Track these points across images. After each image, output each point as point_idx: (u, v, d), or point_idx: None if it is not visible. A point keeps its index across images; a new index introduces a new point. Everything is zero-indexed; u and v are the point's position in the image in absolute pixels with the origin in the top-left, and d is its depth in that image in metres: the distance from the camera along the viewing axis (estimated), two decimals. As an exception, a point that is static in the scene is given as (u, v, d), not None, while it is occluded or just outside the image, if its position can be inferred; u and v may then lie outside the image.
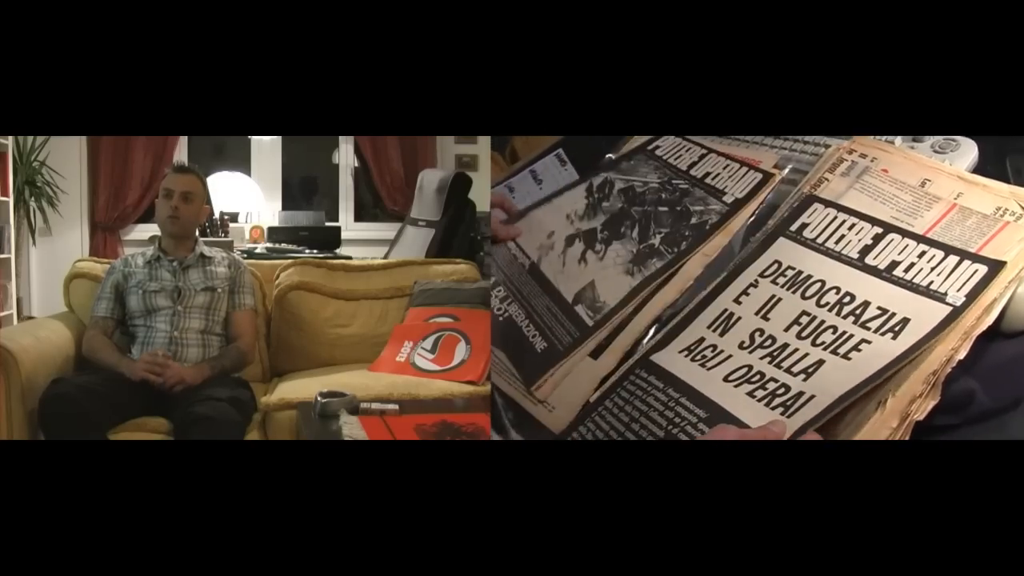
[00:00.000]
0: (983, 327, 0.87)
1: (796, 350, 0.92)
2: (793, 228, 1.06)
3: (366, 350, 2.45)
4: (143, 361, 1.97)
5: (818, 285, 0.97)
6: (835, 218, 1.04)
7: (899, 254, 0.96)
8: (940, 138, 1.15)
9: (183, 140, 4.24)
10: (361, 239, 4.38)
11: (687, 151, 1.30)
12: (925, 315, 0.89)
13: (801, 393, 0.88)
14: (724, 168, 1.24)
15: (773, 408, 0.88)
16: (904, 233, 0.98)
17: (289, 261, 2.66)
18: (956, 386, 0.86)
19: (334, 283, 2.58)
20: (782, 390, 0.89)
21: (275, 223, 4.31)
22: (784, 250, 1.04)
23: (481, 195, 3.71)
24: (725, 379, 0.94)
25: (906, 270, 0.94)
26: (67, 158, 3.95)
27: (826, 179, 1.14)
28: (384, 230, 4.35)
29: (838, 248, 1.01)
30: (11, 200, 3.56)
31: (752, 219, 1.16)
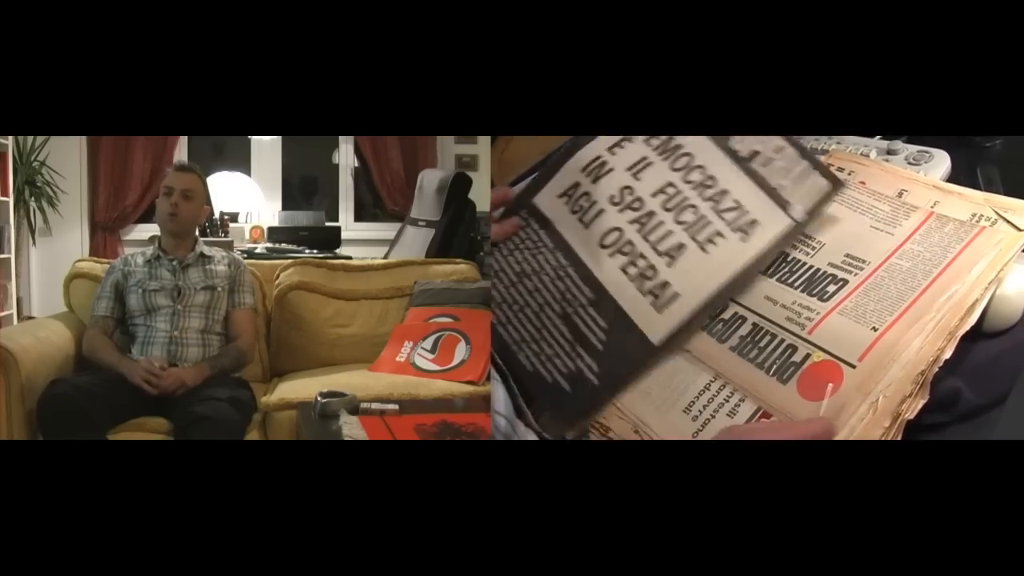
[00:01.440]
0: (966, 328, 0.89)
1: (661, 223, 1.01)
2: None
3: (366, 350, 2.45)
4: (141, 368, 1.96)
5: (686, 159, 1.04)
6: None
7: (761, 145, 1.04)
8: (914, 150, 1.19)
9: (183, 140, 4.24)
10: (361, 239, 4.38)
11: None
12: (769, 223, 0.99)
13: (667, 284, 0.97)
14: None
15: (645, 295, 0.96)
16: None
17: (289, 261, 2.66)
18: (943, 385, 0.88)
19: (334, 283, 2.58)
20: (650, 272, 0.98)
21: (275, 223, 4.31)
22: None
23: (481, 195, 3.71)
24: (601, 245, 1.00)
25: (764, 164, 1.02)
26: (67, 158, 3.95)
27: None
28: (384, 230, 4.35)
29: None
30: (11, 200, 3.56)
31: None
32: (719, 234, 0.99)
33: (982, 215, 1.01)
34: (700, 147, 1.04)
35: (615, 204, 1.02)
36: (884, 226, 1.05)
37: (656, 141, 1.05)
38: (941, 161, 1.17)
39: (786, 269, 1.05)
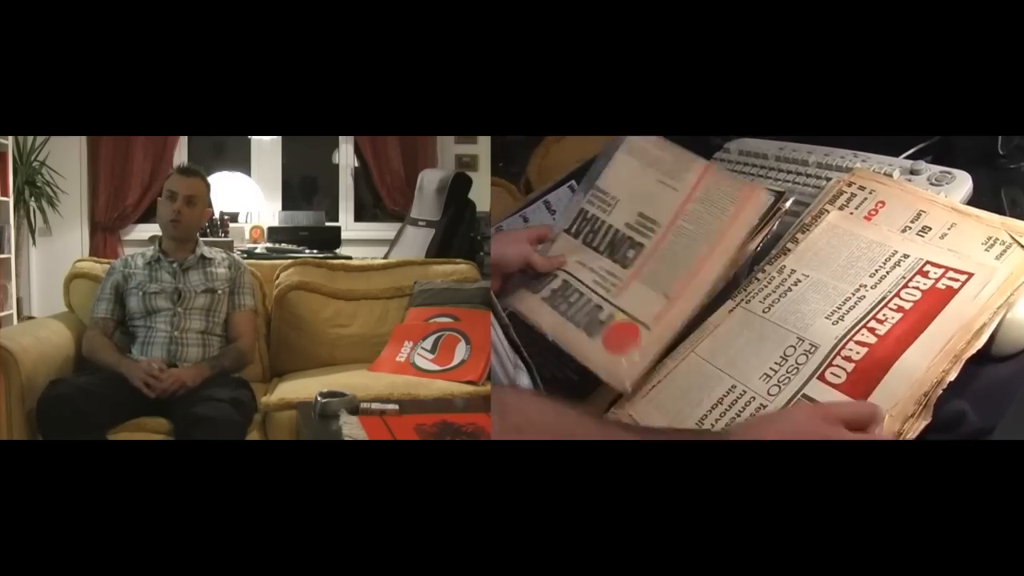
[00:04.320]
0: (972, 351, 0.89)
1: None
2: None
3: (366, 350, 2.45)
4: (140, 370, 1.96)
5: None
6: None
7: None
8: (937, 170, 1.19)
9: (183, 140, 4.24)
10: (361, 239, 4.38)
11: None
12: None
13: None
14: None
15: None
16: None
17: (289, 261, 2.66)
18: (948, 407, 0.88)
19: (334, 283, 2.57)
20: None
21: (275, 223, 4.31)
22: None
23: (481, 195, 3.71)
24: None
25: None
26: (67, 158, 3.95)
27: (826, 210, 1.17)
28: (384, 230, 4.35)
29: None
30: (11, 200, 3.56)
31: (759, 248, 1.18)
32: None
33: (997, 239, 1.01)
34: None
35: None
36: (669, 179, 1.16)
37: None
38: (963, 182, 1.17)
39: (588, 229, 1.19)
